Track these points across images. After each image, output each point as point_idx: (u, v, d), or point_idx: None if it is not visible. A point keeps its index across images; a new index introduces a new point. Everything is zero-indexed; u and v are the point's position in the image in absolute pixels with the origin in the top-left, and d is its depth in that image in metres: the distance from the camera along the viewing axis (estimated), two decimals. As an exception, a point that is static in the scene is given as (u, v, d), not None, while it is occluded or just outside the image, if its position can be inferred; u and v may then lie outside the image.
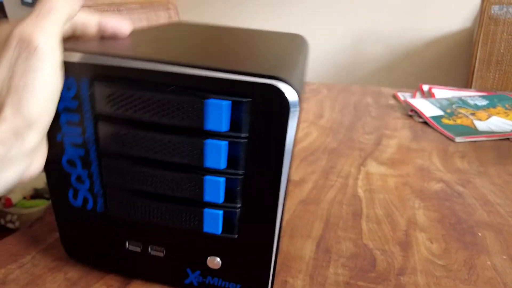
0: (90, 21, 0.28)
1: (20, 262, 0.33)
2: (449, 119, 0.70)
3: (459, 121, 0.69)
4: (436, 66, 1.59)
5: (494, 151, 0.58)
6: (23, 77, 0.21)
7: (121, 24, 0.29)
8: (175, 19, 1.11)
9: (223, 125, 0.22)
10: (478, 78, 1.23)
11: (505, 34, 1.19)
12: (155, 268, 0.29)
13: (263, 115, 0.22)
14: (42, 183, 1.37)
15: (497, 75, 1.22)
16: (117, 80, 0.23)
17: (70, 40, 0.28)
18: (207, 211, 0.25)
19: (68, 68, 0.24)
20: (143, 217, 0.27)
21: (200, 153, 0.23)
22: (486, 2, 1.18)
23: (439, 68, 1.58)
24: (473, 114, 0.72)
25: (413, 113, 0.75)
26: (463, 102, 0.79)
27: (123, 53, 0.24)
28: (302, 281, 0.31)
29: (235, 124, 0.23)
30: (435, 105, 0.77)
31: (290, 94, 0.21)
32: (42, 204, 1.31)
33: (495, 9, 1.19)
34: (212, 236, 0.26)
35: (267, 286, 0.28)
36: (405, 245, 0.36)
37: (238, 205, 0.25)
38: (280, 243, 0.34)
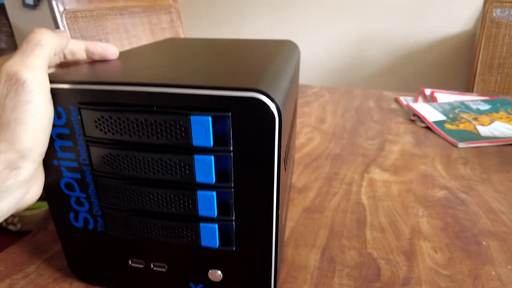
0: (79, 49, 0.29)
1: (25, 272, 0.33)
2: (452, 124, 0.70)
3: (462, 126, 0.69)
4: (437, 69, 1.58)
5: (496, 157, 0.58)
6: (14, 111, 0.22)
7: (108, 48, 0.31)
8: (177, 22, 1.11)
9: (209, 140, 0.23)
10: (480, 81, 1.23)
11: (507, 37, 1.19)
12: (159, 283, 0.30)
13: (246, 127, 0.22)
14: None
15: (499, 78, 1.22)
16: (103, 105, 0.24)
17: (59, 67, 0.29)
18: (203, 225, 0.26)
19: (56, 97, 0.24)
20: (142, 235, 0.28)
21: (190, 169, 0.24)
22: (488, 5, 1.18)
23: (440, 71, 1.58)
24: (475, 119, 0.72)
25: (415, 117, 0.75)
26: (465, 107, 0.79)
27: (106, 79, 0.24)
28: (307, 292, 0.31)
29: (220, 138, 0.23)
30: (438, 110, 0.77)
31: (271, 105, 0.21)
32: (44, 206, 1.31)
33: (497, 12, 1.19)
34: (211, 250, 0.27)
35: None
36: (410, 254, 0.36)
37: (232, 218, 0.25)
38: (284, 252, 0.34)
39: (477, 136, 0.64)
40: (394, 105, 0.85)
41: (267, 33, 1.80)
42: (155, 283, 0.30)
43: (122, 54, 0.34)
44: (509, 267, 0.34)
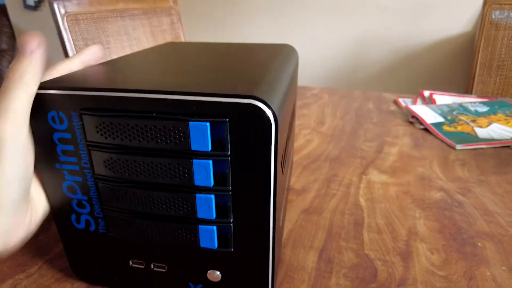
0: (74, 66, 0.30)
1: (27, 272, 0.33)
2: (450, 126, 0.70)
3: (460, 128, 0.69)
4: (436, 71, 1.59)
5: (494, 159, 0.58)
6: None
7: (95, 50, 0.32)
8: (177, 25, 1.11)
9: (207, 145, 0.23)
10: (479, 83, 1.24)
11: (506, 39, 1.19)
12: (159, 283, 0.30)
13: (243, 132, 0.23)
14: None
15: (498, 80, 1.23)
16: (104, 111, 0.24)
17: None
18: (201, 227, 0.26)
19: (58, 102, 0.25)
20: (142, 237, 0.28)
21: (189, 172, 0.24)
22: (487, 7, 1.19)
23: (439, 72, 1.59)
24: (473, 121, 0.73)
25: (414, 119, 0.75)
26: (463, 109, 0.79)
27: (106, 86, 0.25)
28: (304, 292, 0.32)
29: (218, 143, 0.24)
30: (436, 112, 0.77)
31: (267, 111, 0.22)
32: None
33: (496, 14, 1.20)
34: (210, 251, 0.28)
35: None
36: (406, 255, 0.36)
37: (230, 220, 0.26)
38: (282, 253, 0.34)
39: (475, 138, 0.65)
40: (393, 107, 0.85)
41: (267, 35, 1.81)
42: (155, 283, 0.30)
43: (122, 59, 0.34)
44: (503, 268, 0.35)
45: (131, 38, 0.97)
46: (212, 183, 0.25)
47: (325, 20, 1.69)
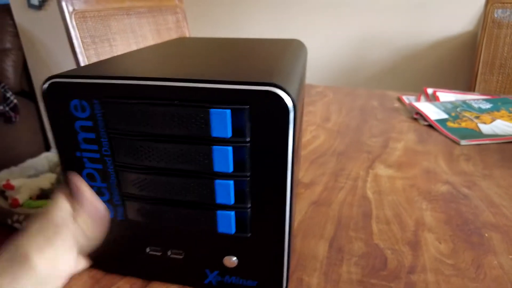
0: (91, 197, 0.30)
1: (46, 260, 0.34)
2: (454, 122, 0.71)
3: (463, 124, 0.70)
4: (439, 69, 1.60)
5: (498, 154, 0.59)
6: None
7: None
8: (182, 23, 1.12)
9: (227, 132, 0.24)
10: (481, 81, 1.24)
11: (508, 37, 1.20)
12: (175, 270, 0.31)
13: (263, 119, 0.24)
14: (48, 183, 1.38)
15: (500, 78, 1.24)
16: (126, 99, 0.25)
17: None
18: (220, 212, 0.27)
19: (81, 91, 0.26)
20: (160, 223, 0.29)
21: (209, 159, 0.25)
22: (490, 6, 1.20)
23: (442, 71, 1.59)
24: (477, 117, 0.73)
25: (418, 116, 0.76)
26: (467, 106, 0.80)
27: (130, 74, 0.26)
28: (317, 278, 0.32)
29: (238, 129, 0.24)
30: (440, 109, 0.78)
31: (286, 98, 0.23)
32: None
33: (499, 13, 1.20)
34: (227, 236, 0.28)
35: (282, 281, 0.29)
36: (414, 244, 0.37)
37: (248, 205, 0.27)
38: (293, 242, 0.35)
39: (479, 134, 0.66)
40: (397, 104, 0.86)
41: (271, 33, 1.82)
42: (172, 270, 0.31)
43: (138, 52, 0.35)
44: (510, 256, 0.35)
45: (137, 36, 0.98)
46: (232, 169, 0.25)
47: (329, 19, 1.69)
